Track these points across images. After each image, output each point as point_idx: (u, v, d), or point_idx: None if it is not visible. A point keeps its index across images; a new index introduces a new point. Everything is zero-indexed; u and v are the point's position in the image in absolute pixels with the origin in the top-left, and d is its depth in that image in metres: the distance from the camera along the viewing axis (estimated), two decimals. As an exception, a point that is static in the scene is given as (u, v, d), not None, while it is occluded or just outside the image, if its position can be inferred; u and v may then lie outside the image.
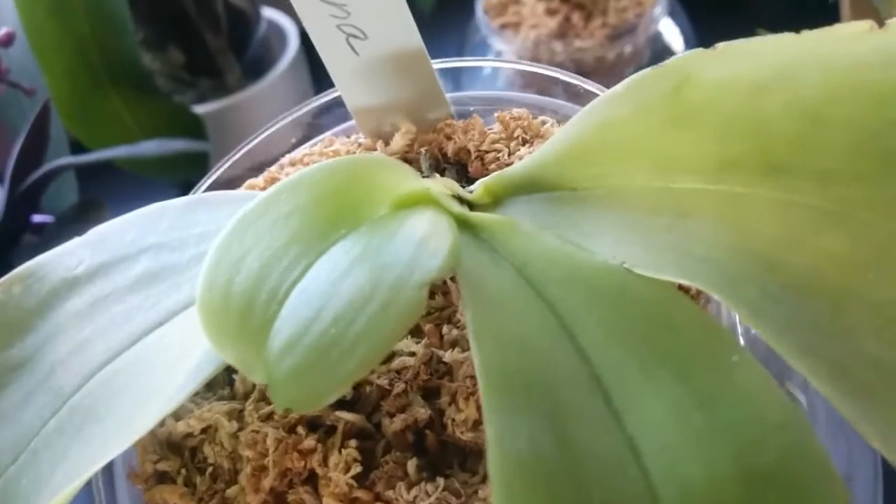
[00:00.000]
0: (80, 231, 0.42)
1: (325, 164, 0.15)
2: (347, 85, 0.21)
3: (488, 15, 0.44)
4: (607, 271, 0.12)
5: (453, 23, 0.47)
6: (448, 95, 0.22)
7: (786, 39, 0.13)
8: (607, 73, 0.42)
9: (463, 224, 0.15)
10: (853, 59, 0.13)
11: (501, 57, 0.44)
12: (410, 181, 0.16)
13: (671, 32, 0.45)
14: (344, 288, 0.12)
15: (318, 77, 0.54)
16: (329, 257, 0.13)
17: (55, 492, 0.13)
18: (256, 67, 0.50)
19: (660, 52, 0.44)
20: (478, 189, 0.17)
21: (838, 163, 0.13)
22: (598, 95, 0.16)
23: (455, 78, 0.47)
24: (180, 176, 0.50)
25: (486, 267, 0.13)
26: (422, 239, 0.13)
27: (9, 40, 0.34)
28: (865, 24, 0.13)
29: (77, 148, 0.42)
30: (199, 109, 0.47)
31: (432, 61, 0.21)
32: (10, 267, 0.42)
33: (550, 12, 0.42)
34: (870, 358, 0.11)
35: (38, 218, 0.38)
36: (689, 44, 0.45)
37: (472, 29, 0.45)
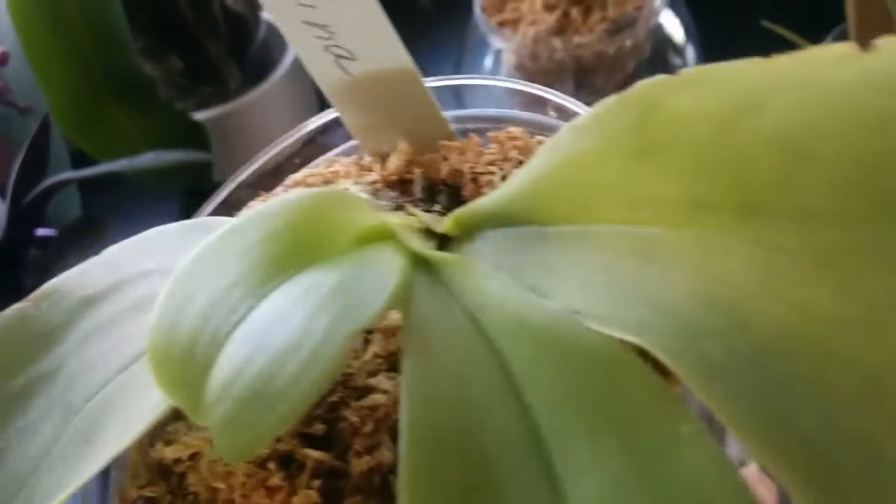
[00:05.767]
0: (83, 245, 0.42)
1: (280, 200, 0.15)
2: (343, 105, 0.21)
3: (486, 12, 0.42)
4: (561, 324, 0.12)
5: (452, 21, 0.45)
6: (450, 114, 0.21)
7: (757, 65, 0.12)
8: (608, 68, 0.41)
9: (420, 263, 0.14)
10: (837, 85, 0.12)
11: (501, 55, 0.43)
12: (370, 217, 0.15)
13: (672, 24, 0.43)
14: (279, 333, 0.12)
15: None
16: (271, 300, 0.13)
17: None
18: (257, 72, 0.50)
19: (661, 44, 0.42)
20: (448, 221, 0.16)
21: (823, 203, 0.11)
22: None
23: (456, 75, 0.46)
24: (183, 185, 0.50)
25: (437, 312, 0.13)
26: (362, 283, 0.13)
27: (3, 60, 0.35)
28: (849, 47, 0.12)
29: (79, 160, 0.42)
30: (201, 116, 0.46)
31: (431, 77, 0.21)
32: (18, 282, 0.42)
33: (549, 8, 0.40)
34: (847, 434, 0.10)
35: (41, 232, 0.38)
36: (691, 36, 0.43)
37: (471, 26, 0.44)
